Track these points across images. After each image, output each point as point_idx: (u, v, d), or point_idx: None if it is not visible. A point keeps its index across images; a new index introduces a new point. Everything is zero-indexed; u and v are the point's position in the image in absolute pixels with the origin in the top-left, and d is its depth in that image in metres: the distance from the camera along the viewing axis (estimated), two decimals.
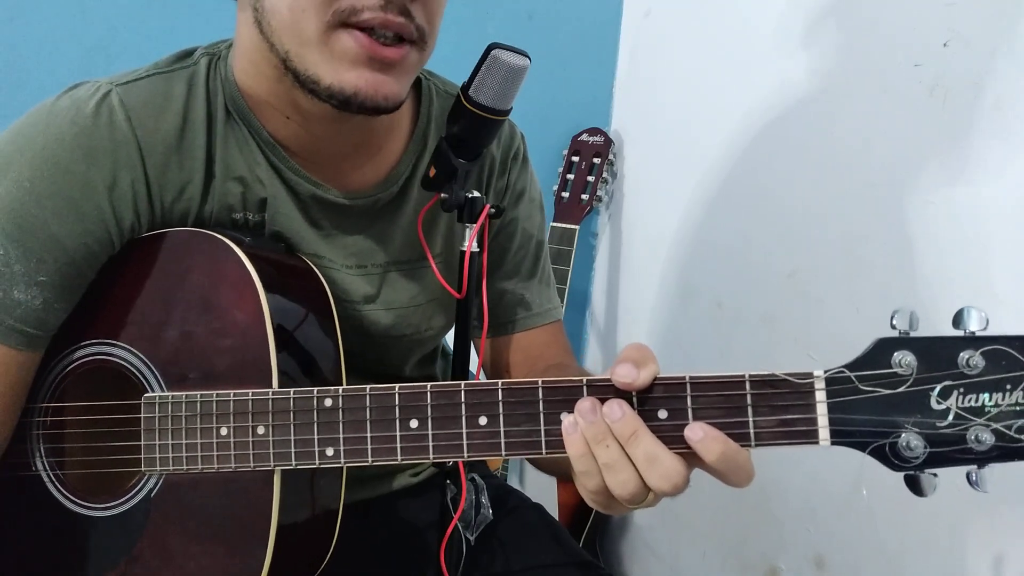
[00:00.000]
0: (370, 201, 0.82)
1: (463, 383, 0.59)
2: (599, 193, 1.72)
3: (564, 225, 1.65)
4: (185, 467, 0.67)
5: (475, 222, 0.75)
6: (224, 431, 0.66)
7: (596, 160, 1.72)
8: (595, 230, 1.89)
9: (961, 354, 0.51)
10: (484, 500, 0.92)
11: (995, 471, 0.51)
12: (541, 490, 1.51)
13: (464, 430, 0.59)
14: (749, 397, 0.54)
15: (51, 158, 0.68)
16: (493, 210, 0.76)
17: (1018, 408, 0.50)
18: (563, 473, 0.87)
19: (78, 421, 0.74)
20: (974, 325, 0.51)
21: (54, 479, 0.74)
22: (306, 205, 0.79)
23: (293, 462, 0.64)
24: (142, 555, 0.69)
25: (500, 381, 0.58)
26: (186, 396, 0.67)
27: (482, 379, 0.93)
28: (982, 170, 1.05)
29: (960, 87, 1.07)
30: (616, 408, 0.54)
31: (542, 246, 0.95)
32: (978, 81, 1.05)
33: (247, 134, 0.76)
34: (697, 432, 0.53)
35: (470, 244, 0.75)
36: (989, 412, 0.50)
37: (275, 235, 0.79)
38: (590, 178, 1.72)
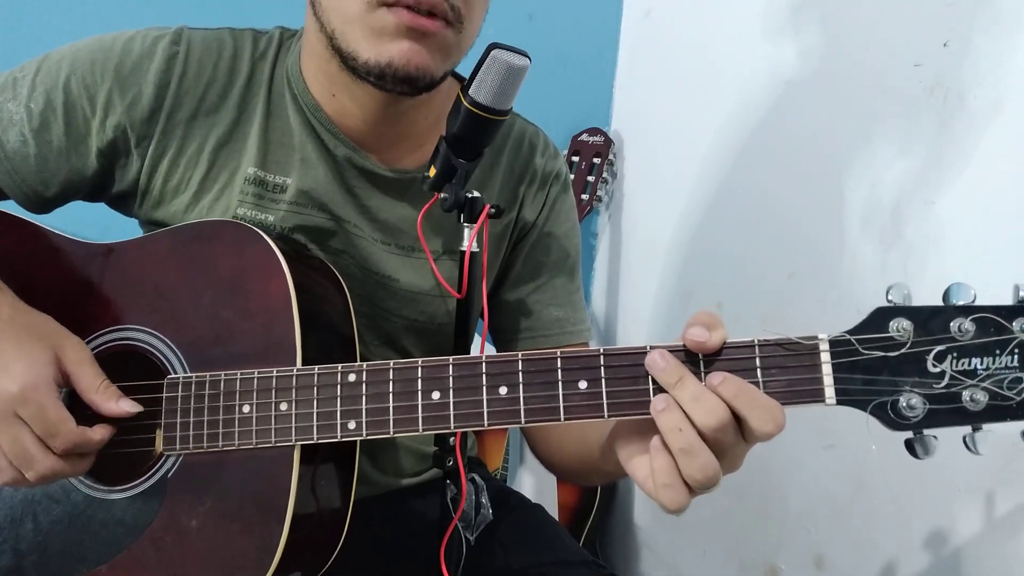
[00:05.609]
0: (408, 178, 0.85)
1: (484, 356, 0.61)
2: (599, 193, 1.72)
3: None
4: (206, 445, 0.68)
5: (475, 222, 0.75)
6: (247, 408, 0.67)
7: (596, 160, 1.72)
8: (595, 230, 1.89)
9: (953, 322, 0.54)
10: (484, 500, 0.92)
11: (990, 445, 0.54)
12: (541, 490, 1.50)
13: (485, 398, 0.60)
14: (759, 360, 0.57)
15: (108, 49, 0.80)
16: (493, 210, 0.75)
17: (1007, 370, 0.54)
18: (574, 455, 0.86)
19: None
20: (963, 301, 0.55)
21: None
22: (341, 167, 0.83)
23: (315, 436, 0.65)
24: (155, 535, 0.70)
25: (520, 353, 0.61)
26: (210, 375, 0.69)
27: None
28: (982, 170, 1.05)
29: (960, 87, 1.07)
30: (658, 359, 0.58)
31: (576, 268, 0.96)
32: (978, 81, 1.05)
33: (293, 95, 0.82)
34: (717, 377, 0.56)
35: (470, 244, 0.75)
36: (980, 375, 0.54)
37: (304, 193, 0.81)
38: (590, 178, 1.72)
